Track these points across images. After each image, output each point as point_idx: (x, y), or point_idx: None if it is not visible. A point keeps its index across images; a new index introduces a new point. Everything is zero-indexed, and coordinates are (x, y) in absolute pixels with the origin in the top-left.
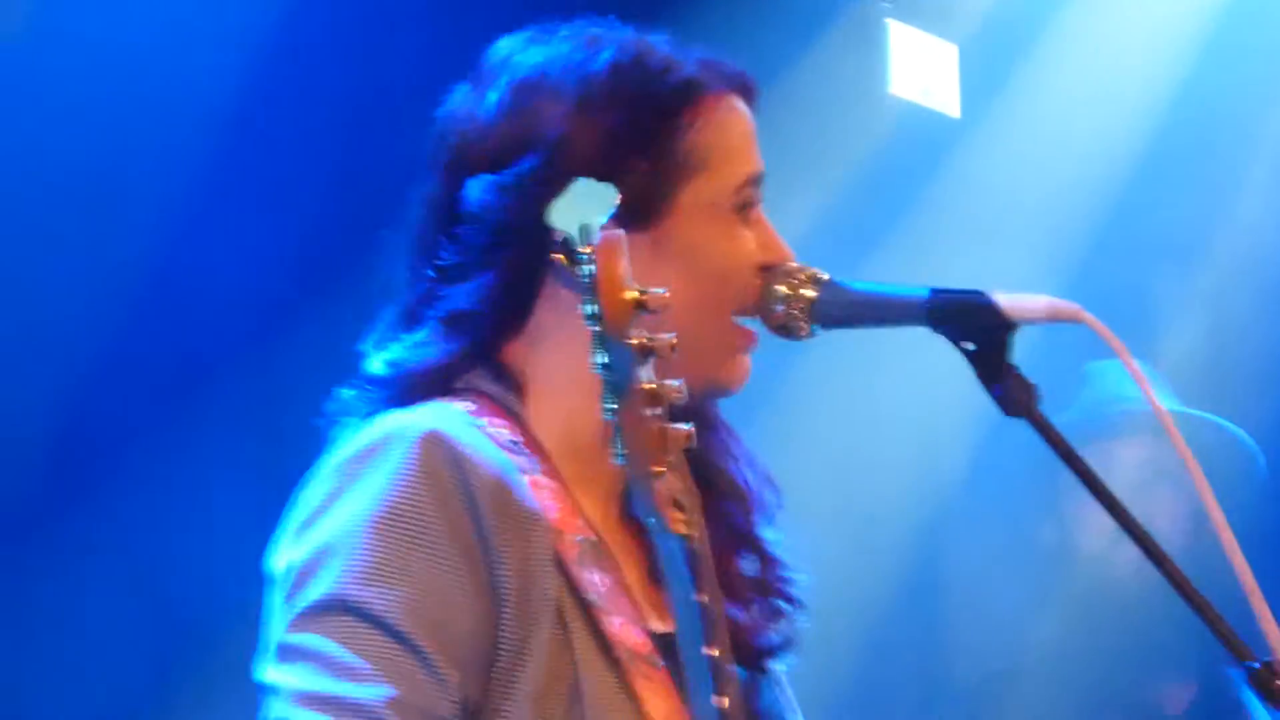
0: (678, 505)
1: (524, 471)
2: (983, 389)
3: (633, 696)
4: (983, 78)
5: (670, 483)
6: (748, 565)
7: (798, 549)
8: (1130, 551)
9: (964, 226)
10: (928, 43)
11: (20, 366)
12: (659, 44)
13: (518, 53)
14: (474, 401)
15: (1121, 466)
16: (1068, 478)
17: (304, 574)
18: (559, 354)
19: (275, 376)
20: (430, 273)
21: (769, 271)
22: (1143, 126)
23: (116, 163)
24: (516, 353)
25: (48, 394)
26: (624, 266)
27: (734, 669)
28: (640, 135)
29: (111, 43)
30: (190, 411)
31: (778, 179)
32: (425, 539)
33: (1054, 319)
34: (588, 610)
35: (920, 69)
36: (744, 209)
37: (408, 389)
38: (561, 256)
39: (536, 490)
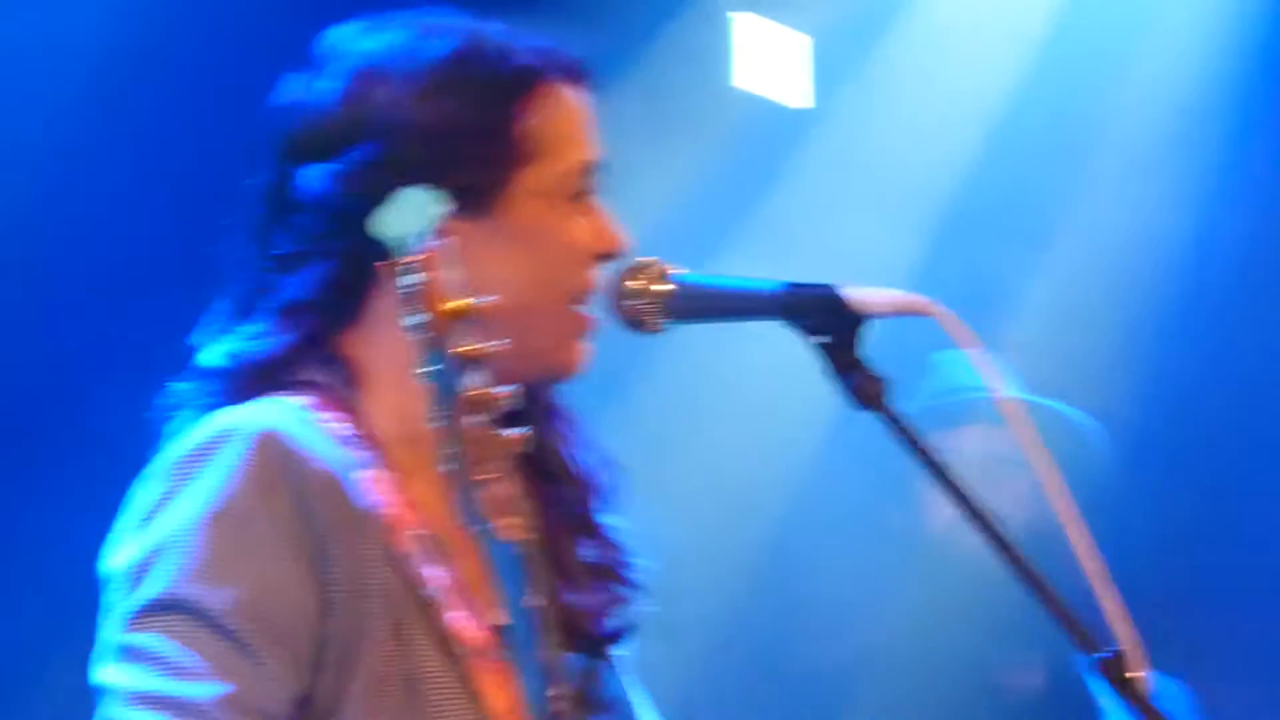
0: (508, 511)
1: (360, 466)
2: (833, 382)
3: (473, 690)
4: (832, 68)
5: (500, 489)
6: (587, 551)
7: (644, 534)
8: (976, 537)
9: (813, 217)
10: (778, 34)
11: None
12: (495, 32)
13: (353, 41)
14: (311, 395)
15: (967, 454)
16: (916, 465)
17: (138, 574)
18: (394, 346)
19: (118, 366)
20: (264, 263)
21: (628, 268)
22: (991, 116)
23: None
24: (353, 344)
25: None
26: (448, 276)
27: (566, 666)
28: (475, 123)
29: None
30: (34, 403)
31: (626, 171)
32: (257, 537)
33: (903, 312)
34: (426, 605)
35: (769, 60)
36: (580, 196)
37: (244, 382)
38: (388, 265)
39: (372, 485)
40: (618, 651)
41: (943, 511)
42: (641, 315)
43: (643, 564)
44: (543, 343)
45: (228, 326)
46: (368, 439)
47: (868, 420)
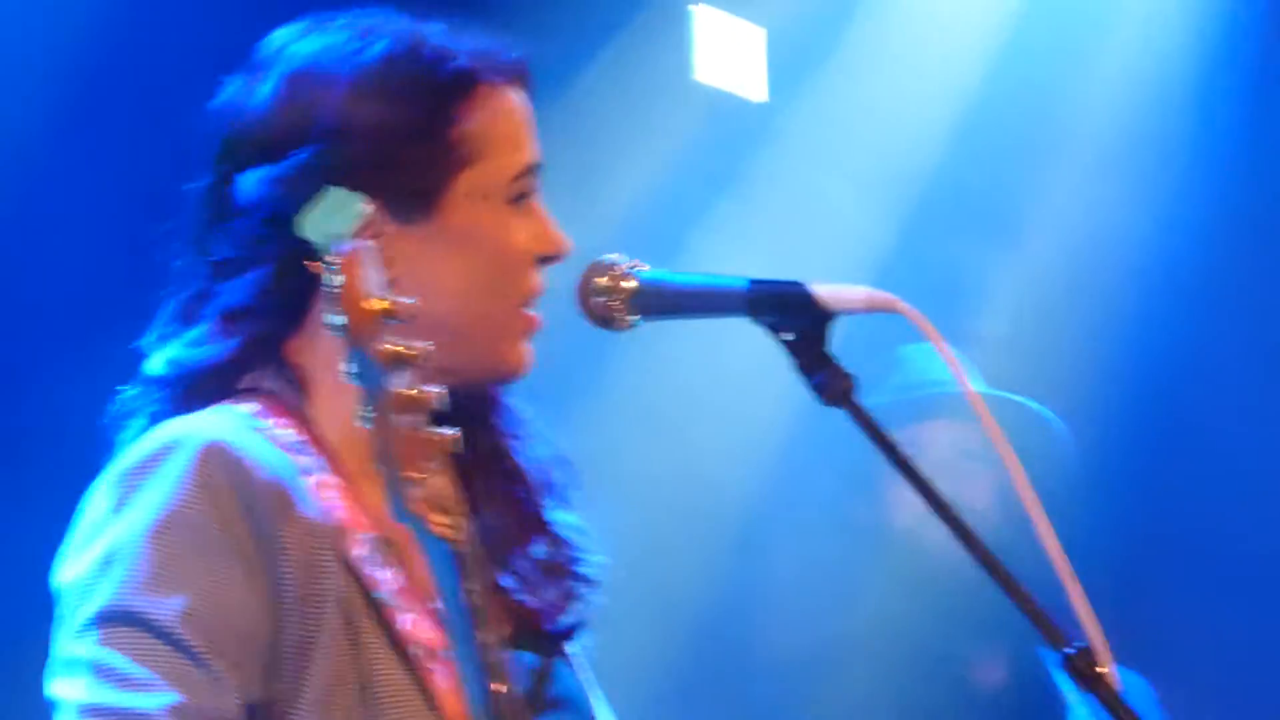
0: (441, 509)
1: (308, 472)
2: (801, 378)
3: (426, 691)
4: (792, 62)
5: (433, 487)
6: (539, 549)
7: (598, 530)
8: (942, 531)
9: (776, 212)
10: (735, 27)
11: None
12: (434, 34)
13: (291, 44)
14: (257, 402)
15: (932, 448)
16: (881, 459)
17: (86, 587)
18: (338, 351)
19: (69, 374)
20: (205, 268)
21: (595, 265)
22: (954, 109)
23: None
24: (298, 349)
25: None
26: (369, 276)
27: (509, 662)
28: (413, 126)
29: None
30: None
31: (588, 167)
32: (203, 547)
33: (871, 309)
34: (378, 608)
35: (727, 54)
36: (520, 199)
37: (190, 389)
38: (316, 265)
39: (321, 490)
40: (572, 649)
41: (908, 506)
42: (609, 312)
43: (595, 560)
44: (486, 346)
45: (172, 331)
46: (315, 444)
47: (833, 415)
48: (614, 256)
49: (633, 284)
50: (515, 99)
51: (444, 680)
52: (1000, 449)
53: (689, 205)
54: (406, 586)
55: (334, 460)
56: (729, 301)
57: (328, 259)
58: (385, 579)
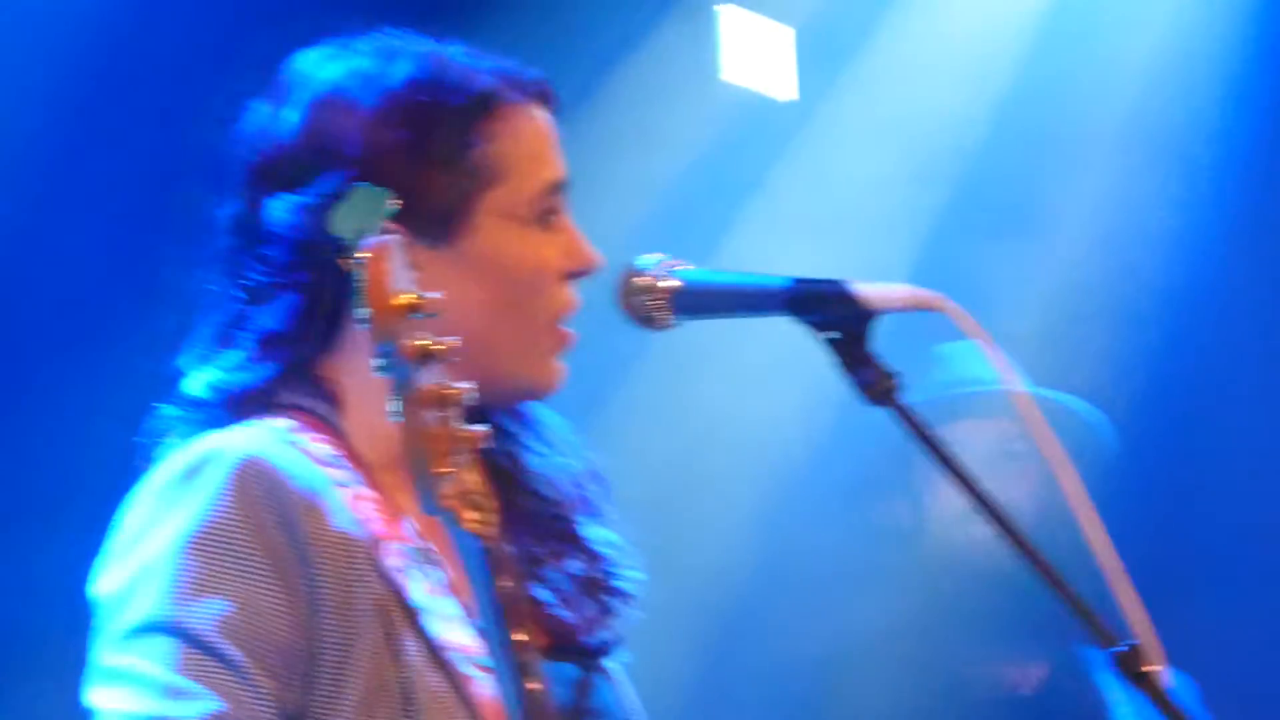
0: (472, 504)
1: (344, 485)
2: (844, 377)
3: (465, 697)
4: (821, 61)
5: (463, 482)
6: (573, 565)
7: (632, 540)
8: (981, 531)
9: (805, 211)
10: (763, 27)
11: None
12: (456, 56)
13: (315, 69)
14: (294, 418)
15: (973, 447)
16: (919, 457)
17: (124, 598)
18: (370, 368)
19: (100, 376)
20: (239, 293)
21: (636, 265)
22: (983, 106)
23: None
24: (332, 367)
25: None
26: (394, 270)
27: (542, 659)
28: (436, 149)
29: None
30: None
31: (618, 168)
32: (239, 557)
33: (915, 307)
34: (415, 617)
35: (755, 54)
36: (546, 216)
37: (228, 410)
38: (346, 263)
39: (357, 502)
40: (610, 664)
41: (946, 504)
42: (649, 312)
43: (631, 576)
44: (517, 363)
45: (209, 354)
46: (349, 458)
47: (869, 412)
48: (654, 256)
49: (674, 283)
50: (537, 117)
51: (482, 687)
52: (1047, 447)
53: (719, 205)
54: (443, 594)
55: (368, 474)
56: (770, 300)
57: (355, 254)
58: (422, 588)
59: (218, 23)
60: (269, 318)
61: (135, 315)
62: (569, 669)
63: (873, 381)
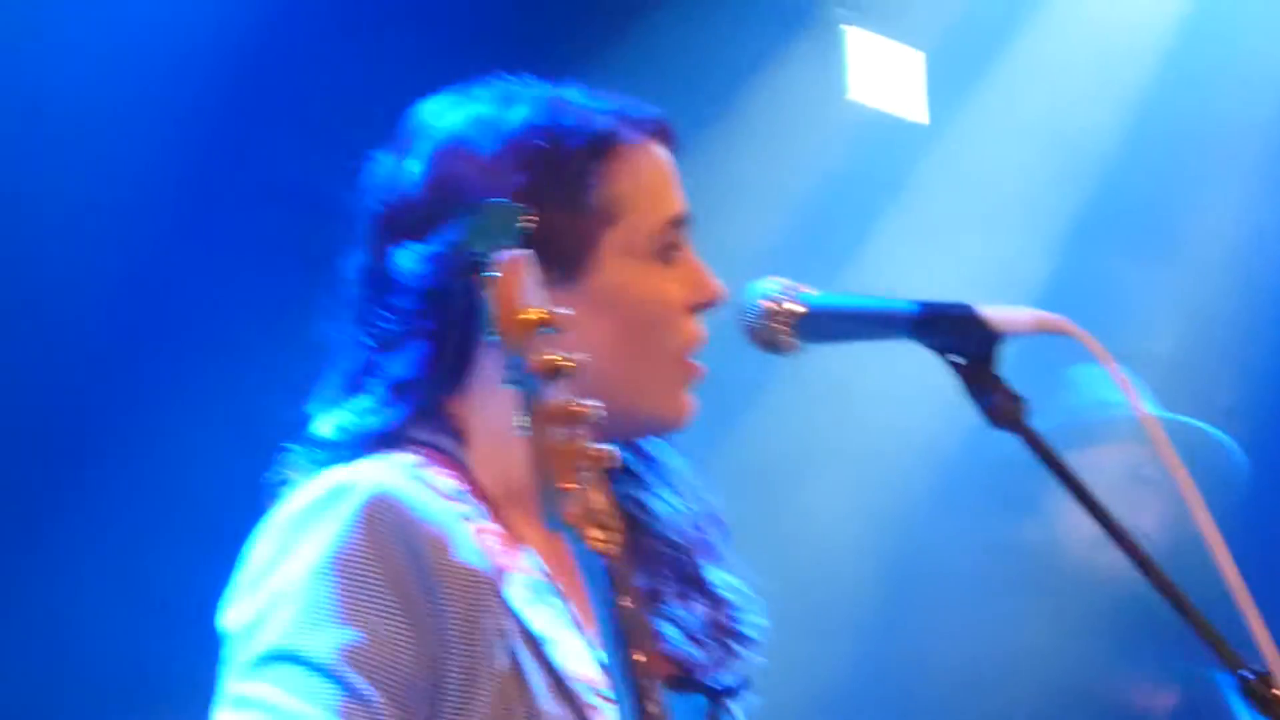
0: (597, 522)
1: (469, 519)
2: (970, 401)
3: None
4: (950, 82)
5: (587, 500)
6: (696, 608)
7: (753, 584)
8: (1113, 554)
9: (933, 232)
10: (892, 49)
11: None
12: (573, 98)
13: (435, 118)
14: (419, 453)
15: (1103, 472)
16: (1048, 482)
17: (252, 628)
18: (498, 404)
19: (255, 381)
20: (368, 340)
21: (761, 289)
22: (1114, 125)
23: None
24: (460, 406)
25: (33, 396)
26: (522, 287)
27: (658, 682)
28: (556, 192)
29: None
30: (172, 416)
31: (743, 192)
32: (368, 588)
33: (1040, 330)
34: (539, 647)
35: (883, 75)
36: (668, 251)
37: (356, 450)
38: (477, 277)
39: (482, 535)
40: (734, 707)
41: (1077, 527)
42: (775, 336)
43: (754, 621)
44: (646, 399)
45: (338, 399)
46: (474, 492)
47: (1000, 436)
48: (778, 280)
49: (799, 308)
50: (656, 154)
51: (605, 718)
52: (1175, 473)
53: (851, 225)
54: (566, 627)
55: (493, 507)
56: (896, 324)
57: (486, 270)
58: (546, 619)
59: (349, 77)
60: (398, 365)
61: (268, 359)
62: (697, 701)
63: (998, 405)
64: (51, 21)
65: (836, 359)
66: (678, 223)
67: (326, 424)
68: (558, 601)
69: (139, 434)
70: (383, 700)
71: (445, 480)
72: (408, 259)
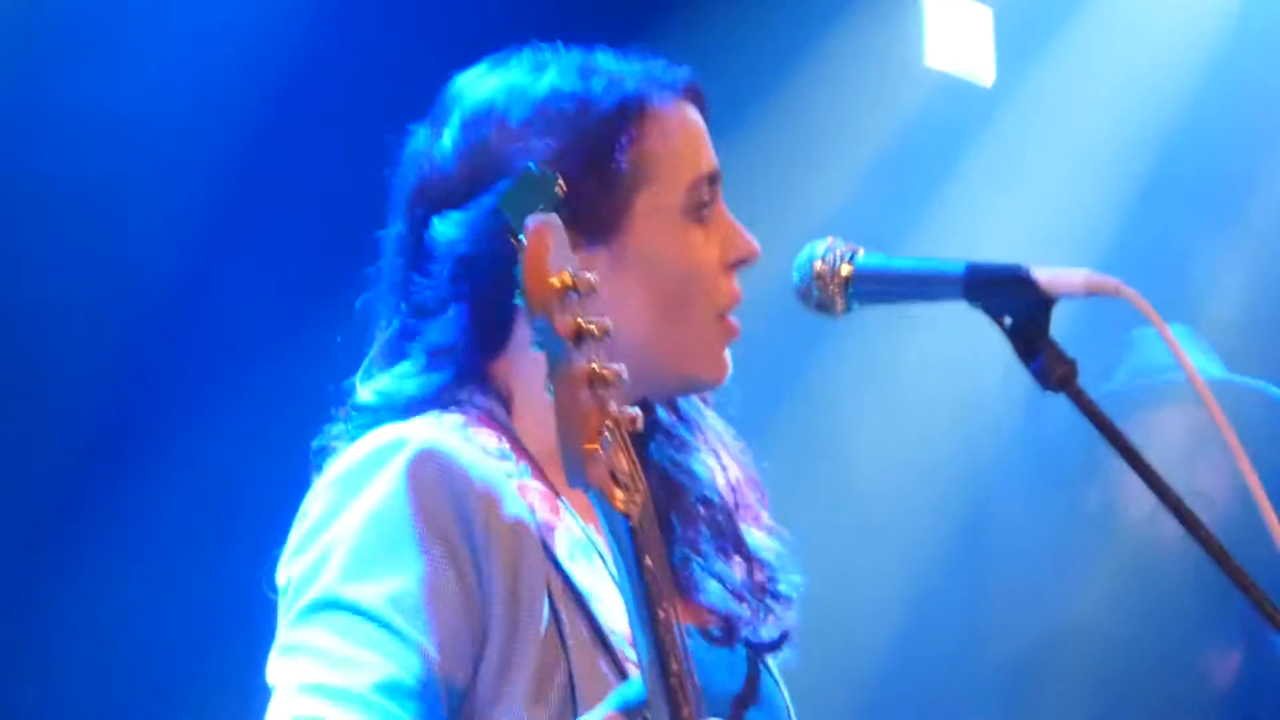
0: (619, 484)
1: (512, 476)
2: (1021, 363)
3: (626, 678)
4: (1018, 42)
5: (610, 461)
6: (736, 565)
7: (793, 547)
8: (1169, 520)
9: (999, 196)
10: (962, 8)
11: (41, 370)
12: (602, 61)
13: (468, 88)
14: (464, 413)
15: (1167, 436)
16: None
17: (303, 582)
18: (536, 366)
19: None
20: (406, 309)
21: (813, 251)
22: (1180, 90)
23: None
24: (501, 368)
25: (70, 396)
26: (550, 251)
27: (680, 638)
28: (586, 154)
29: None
30: (211, 410)
31: (813, 155)
32: (416, 539)
33: (1092, 293)
34: (583, 601)
35: (955, 37)
36: (700, 210)
37: (399, 414)
38: (513, 240)
39: (525, 493)
40: (773, 662)
41: (1139, 493)
42: (826, 298)
43: (791, 580)
44: (683, 358)
45: (379, 367)
46: (519, 452)
47: (1058, 399)
48: (829, 241)
49: (850, 269)
50: (686, 114)
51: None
52: (1225, 435)
53: (916, 189)
54: (607, 581)
55: (535, 466)
56: (946, 286)
57: (518, 235)
58: (586, 574)
59: (397, 52)
60: (437, 332)
61: (316, 359)
62: (737, 656)
63: (1050, 368)
64: (109, 29)
65: (888, 324)
66: (710, 180)
67: (368, 391)
68: (599, 558)
69: (184, 435)
70: (426, 642)
71: (489, 439)
72: (444, 227)
